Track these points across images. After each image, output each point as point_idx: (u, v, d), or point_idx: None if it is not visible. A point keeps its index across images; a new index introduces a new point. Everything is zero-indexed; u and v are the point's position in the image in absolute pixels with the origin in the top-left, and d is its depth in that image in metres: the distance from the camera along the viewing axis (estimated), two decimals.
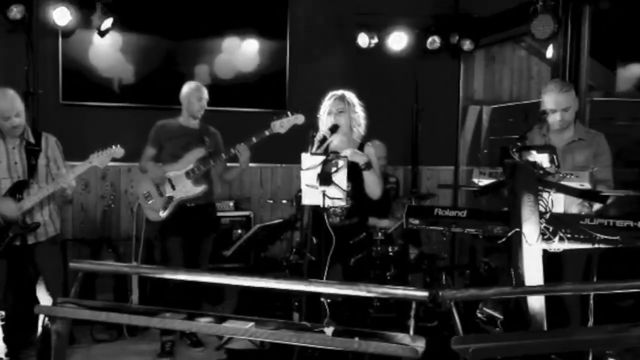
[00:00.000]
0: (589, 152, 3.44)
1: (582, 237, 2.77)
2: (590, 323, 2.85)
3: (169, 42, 5.54)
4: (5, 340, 3.51)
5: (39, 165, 3.54)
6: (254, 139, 4.01)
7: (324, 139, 3.22)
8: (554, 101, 3.42)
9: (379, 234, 4.61)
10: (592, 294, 2.81)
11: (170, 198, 4.14)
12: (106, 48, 5.34)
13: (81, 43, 5.27)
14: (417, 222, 3.31)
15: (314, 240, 3.28)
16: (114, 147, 3.61)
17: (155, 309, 2.49)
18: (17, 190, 3.46)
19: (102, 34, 5.13)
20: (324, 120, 3.46)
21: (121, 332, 4.51)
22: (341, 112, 3.45)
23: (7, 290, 3.51)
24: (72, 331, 4.29)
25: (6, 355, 3.52)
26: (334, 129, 3.33)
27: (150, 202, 4.18)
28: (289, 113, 3.99)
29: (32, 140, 3.56)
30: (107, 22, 5.05)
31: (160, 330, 4.13)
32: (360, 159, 3.31)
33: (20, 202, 3.44)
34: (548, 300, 2.76)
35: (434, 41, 5.85)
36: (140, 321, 2.43)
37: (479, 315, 4.52)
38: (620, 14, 5.50)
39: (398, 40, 5.83)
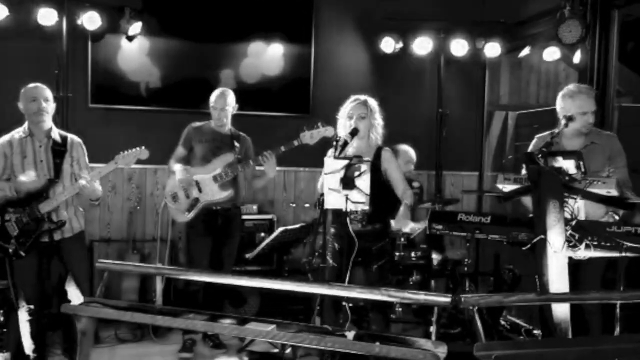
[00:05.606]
0: (603, 155, 3.41)
1: (608, 245, 2.73)
2: (617, 332, 2.79)
3: (195, 47, 5.60)
4: (32, 336, 3.58)
5: (64, 164, 3.64)
6: (283, 148, 4.02)
7: (346, 143, 3.23)
8: (586, 104, 3.39)
9: (402, 239, 4.59)
10: (618, 302, 2.77)
11: (196, 200, 4.18)
12: (134, 52, 5.43)
13: (110, 47, 5.36)
14: (440, 227, 3.31)
15: (336, 245, 3.30)
16: (139, 148, 3.68)
17: (179, 309, 2.53)
18: (45, 188, 3.55)
19: (130, 38, 5.22)
20: (344, 124, 3.50)
21: (145, 332, 4.57)
22: (362, 118, 3.49)
23: (36, 287, 3.58)
24: (97, 331, 4.37)
25: (33, 351, 3.59)
26: (354, 132, 3.35)
27: (177, 203, 4.23)
28: (319, 124, 3.96)
29: (58, 140, 3.67)
30: (135, 27, 5.14)
31: (183, 329, 4.18)
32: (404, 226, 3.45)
33: (46, 199, 3.53)
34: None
35: (459, 46, 5.81)
36: (164, 322, 2.47)
37: (503, 322, 4.47)
38: None
39: (423, 45, 5.80)
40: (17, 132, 3.65)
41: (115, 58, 5.39)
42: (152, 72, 5.52)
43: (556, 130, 3.29)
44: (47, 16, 4.85)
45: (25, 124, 3.66)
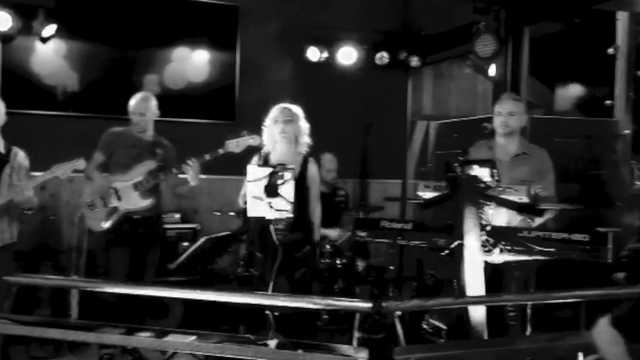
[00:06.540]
0: (532, 166, 3.55)
1: (520, 249, 2.86)
2: (528, 332, 2.93)
3: (116, 50, 5.44)
4: None
5: (3, 174, 3.61)
6: (207, 156, 3.95)
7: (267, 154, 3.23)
8: (501, 106, 3.56)
9: (327, 246, 4.62)
10: (529, 303, 2.91)
11: (115, 209, 4.04)
12: (49, 55, 5.20)
13: (22, 49, 5.12)
14: (364, 234, 3.36)
15: (259, 254, 3.29)
16: (76, 159, 3.67)
17: (93, 323, 2.42)
18: None
19: (44, 40, 5.00)
20: (270, 129, 3.51)
21: (59, 348, 4.34)
22: (289, 121, 3.51)
23: None
24: (6, 349, 4.11)
25: None
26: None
27: (94, 211, 4.07)
28: (245, 133, 3.93)
29: (2, 151, 3.65)
30: (50, 29, 4.94)
31: (99, 345, 4.01)
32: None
33: None
34: (490, 314, 2.83)
35: (382, 57, 5.96)
36: (77, 336, 2.36)
37: (425, 326, 4.58)
38: (560, 36, 5.76)
39: (348, 55, 5.91)
40: None
41: (28, 60, 5.15)
42: (70, 76, 5.31)
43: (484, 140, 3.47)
44: None
45: None
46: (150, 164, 4.08)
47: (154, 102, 4.20)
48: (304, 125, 3.62)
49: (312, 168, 3.62)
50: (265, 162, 3.51)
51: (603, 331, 2.08)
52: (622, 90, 5.16)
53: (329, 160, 5.24)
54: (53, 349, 4.33)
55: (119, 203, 4.04)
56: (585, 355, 2.49)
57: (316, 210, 3.64)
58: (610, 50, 5.09)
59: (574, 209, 3.63)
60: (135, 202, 4.05)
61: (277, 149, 3.52)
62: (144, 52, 5.55)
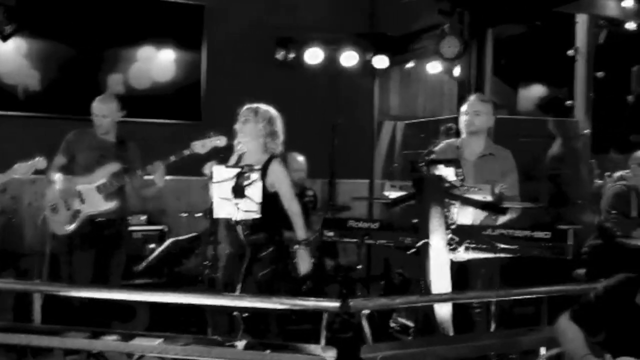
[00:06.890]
0: (497, 167, 3.62)
1: (485, 246, 2.92)
2: (492, 328, 2.99)
3: (79, 49, 5.34)
4: None
5: None
6: (173, 158, 3.91)
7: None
8: (468, 105, 3.62)
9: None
10: (494, 300, 2.97)
11: (78, 212, 3.97)
12: (10, 53, 5.08)
13: None
14: (331, 234, 3.38)
15: (226, 255, 3.27)
16: (37, 158, 3.61)
17: (58, 327, 2.39)
18: None
19: (5, 38, 4.88)
20: (236, 129, 3.51)
21: (23, 354, 4.23)
22: (246, 121, 3.47)
23: None
24: None
25: None
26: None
27: (57, 215, 3.99)
28: (211, 134, 3.88)
29: None
30: (10, 27, 4.82)
31: (64, 350, 3.93)
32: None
33: None
34: (456, 311, 2.88)
35: (349, 57, 5.99)
36: (41, 341, 2.31)
37: (393, 324, 4.63)
38: (522, 38, 5.90)
39: (315, 56, 5.91)
40: None
41: None
42: (31, 75, 5.19)
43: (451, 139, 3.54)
44: None
45: None
46: (114, 166, 4.02)
47: (115, 104, 4.14)
48: (270, 126, 3.54)
49: (276, 168, 3.49)
50: (237, 162, 3.48)
51: (564, 326, 2.15)
52: (582, 90, 5.31)
53: (296, 160, 5.25)
54: (16, 356, 4.23)
55: (83, 206, 3.97)
56: (547, 349, 2.56)
57: (293, 209, 3.54)
58: (570, 52, 5.24)
59: (536, 207, 3.73)
60: (99, 204, 3.98)
61: (248, 149, 3.49)
62: (108, 51, 5.46)
